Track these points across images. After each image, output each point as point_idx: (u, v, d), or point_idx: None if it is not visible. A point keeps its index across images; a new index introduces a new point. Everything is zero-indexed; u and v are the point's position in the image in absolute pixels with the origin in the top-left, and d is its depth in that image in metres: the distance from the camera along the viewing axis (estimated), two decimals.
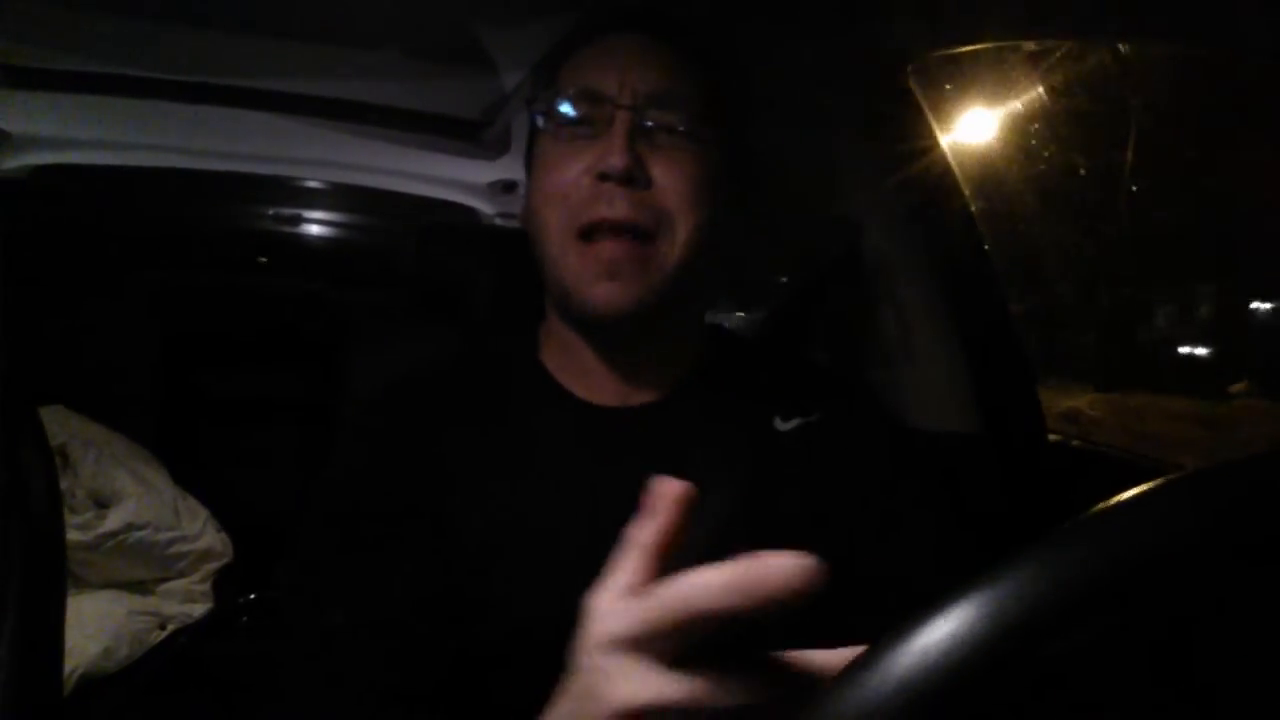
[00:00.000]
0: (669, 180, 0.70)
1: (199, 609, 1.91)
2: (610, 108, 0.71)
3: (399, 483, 0.72)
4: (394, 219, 2.75)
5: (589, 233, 0.70)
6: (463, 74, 1.23)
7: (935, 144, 1.06)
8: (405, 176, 1.95)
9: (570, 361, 0.77)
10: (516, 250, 1.11)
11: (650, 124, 0.71)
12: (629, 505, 0.71)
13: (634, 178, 0.69)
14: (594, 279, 0.70)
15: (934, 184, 1.07)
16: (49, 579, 0.98)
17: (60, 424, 1.89)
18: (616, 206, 0.69)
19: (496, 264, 1.12)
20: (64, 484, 1.74)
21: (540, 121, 0.75)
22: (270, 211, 2.75)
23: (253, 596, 2.16)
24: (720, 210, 0.74)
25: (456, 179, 1.91)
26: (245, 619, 2.12)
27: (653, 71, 0.72)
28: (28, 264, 1.85)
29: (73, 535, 1.68)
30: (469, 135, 1.50)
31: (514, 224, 2.03)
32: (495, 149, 1.57)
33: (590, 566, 0.69)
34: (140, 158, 1.87)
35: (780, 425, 0.79)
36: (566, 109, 0.73)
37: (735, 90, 0.77)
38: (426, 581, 0.67)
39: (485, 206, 2.06)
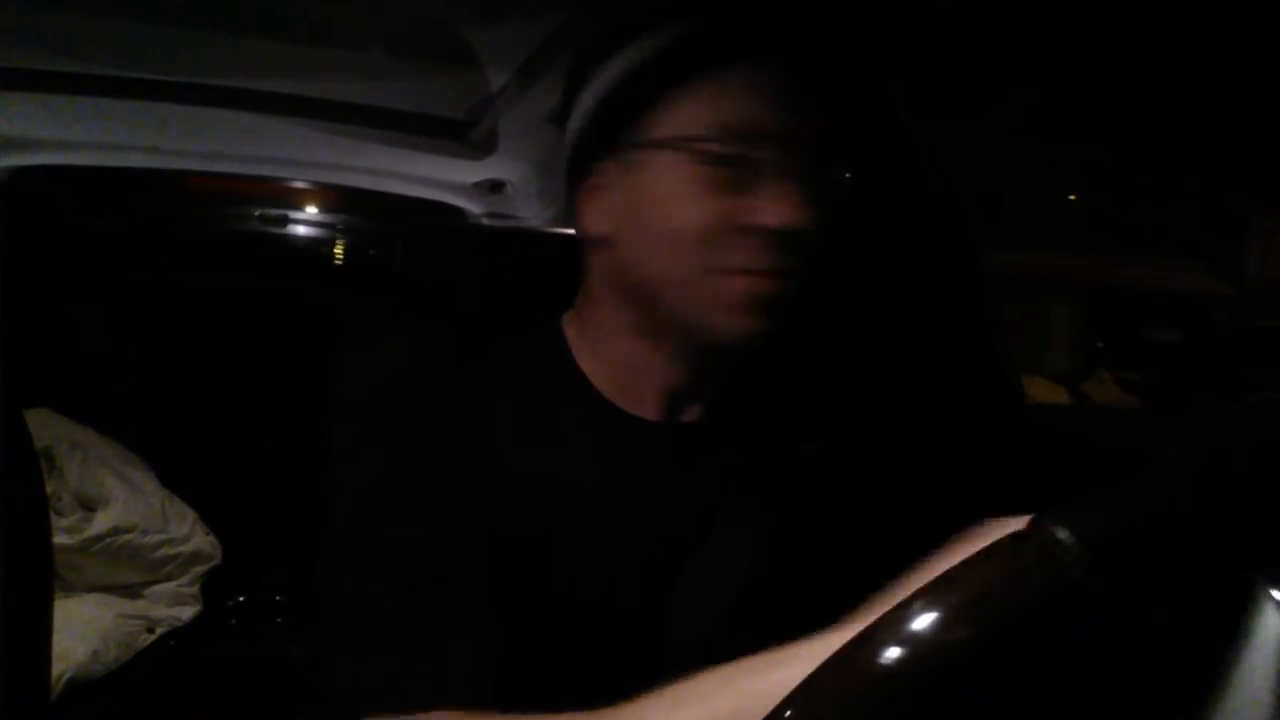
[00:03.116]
0: (806, 223, 0.68)
1: (188, 611, 1.91)
2: (767, 153, 0.68)
3: (438, 457, 0.71)
4: (381, 219, 2.74)
5: (727, 274, 0.69)
6: (448, 74, 1.23)
7: (918, 146, 1.07)
8: (392, 177, 1.94)
9: (619, 373, 0.76)
10: (503, 249, 1.12)
11: (796, 167, 0.68)
12: (662, 518, 0.72)
13: (786, 233, 0.68)
14: (732, 312, 0.69)
15: (918, 185, 1.08)
16: (36, 583, 0.97)
17: (46, 427, 1.88)
18: (762, 257, 0.68)
19: (484, 263, 1.12)
20: (50, 487, 1.74)
21: (670, 152, 0.69)
22: (257, 212, 2.74)
23: (241, 599, 2.15)
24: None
25: (443, 179, 1.91)
26: (234, 621, 2.11)
27: (800, 111, 0.69)
28: (11, 266, 1.85)
29: (59, 539, 1.67)
30: (455, 135, 1.50)
31: (501, 224, 2.03)
32: (481, 149, 1.57)
33: (615, 575, 0.69)
34: (123, 159, 1.86)
35: (805, 448, 0.80)
36: (712, 145, 0.68)
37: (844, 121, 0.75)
38: (467, 550, 0.67)
39: (472, 206, 2.06)
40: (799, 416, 0.81)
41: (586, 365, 0.77)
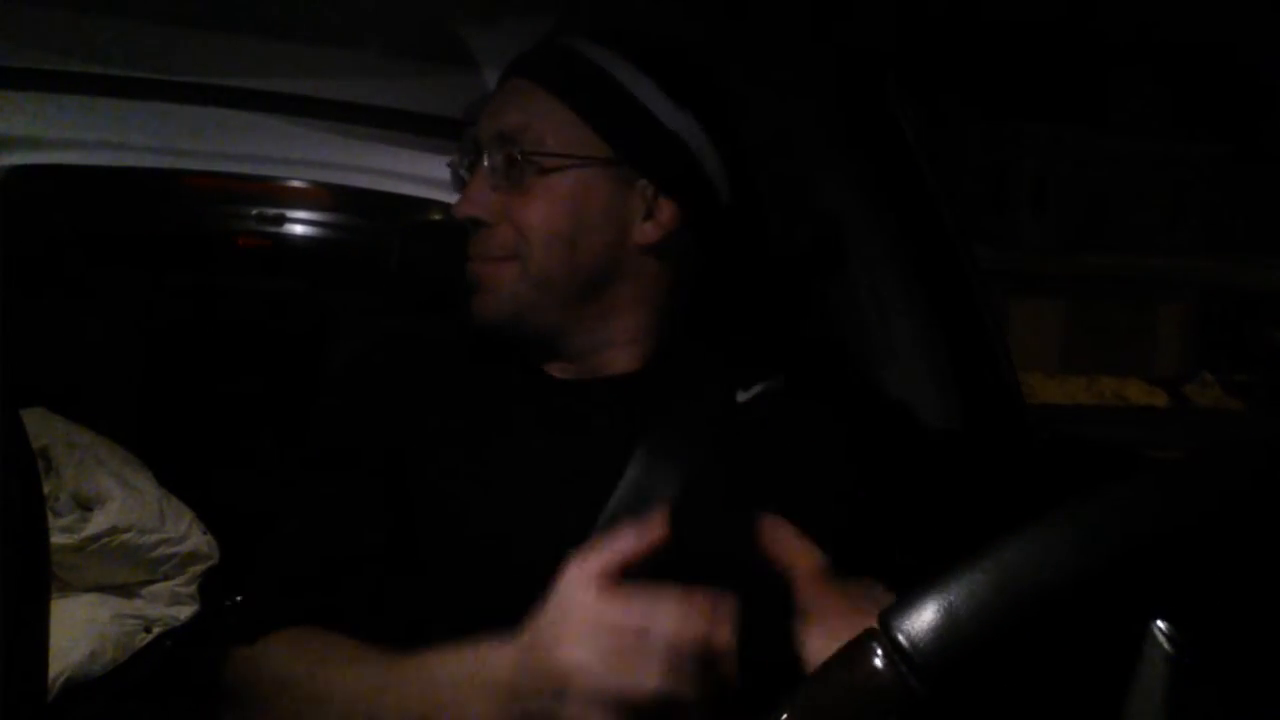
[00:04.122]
0: (523, 212, 0.78)
1: (185, 611, 1.90)
2: (472, 156, 0.81)
3: (368, 427, 0.81)
4: (379, 218, 2.74)
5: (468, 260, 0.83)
6: (446, 72, 1.23)
7: (912, 143, 1.07)
8: (389, 176, 1.94)
9: None
10: None
11: (510, 161, 0.78)
12: (576, 470, 0.74)
13: (483, 220, 0.79)
14: (471, 291, 0.82)
15: (910, 181, 1.08)
16: (33, 583, 0.97)
17: (42, 426, 1.88)
18: (475, 245, 0.81)
19: None
20: (47, 487, 1.73)
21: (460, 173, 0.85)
22: (254, 212, 2.74)
23: (239, 598, 2.15)
24: (600, 224, 0.79)
25: (441, 178, 1.90)
26: None
27: (513, 112, 0.80)
28: (9, 266, 1.84)
29: (57, 538, 1.67)
30: (453, 133, 1.50)
31: None
32: None
33: (532, 534, 0.71)
34: (119, 158, 1.86)
35: (741, 396, 0.82)
36: (463, 159, 0.84)
37: (628, 110, 0.80)
38: (378, 513, 0.77)
39: None
40: (732, 367, 0.84)
41: None
